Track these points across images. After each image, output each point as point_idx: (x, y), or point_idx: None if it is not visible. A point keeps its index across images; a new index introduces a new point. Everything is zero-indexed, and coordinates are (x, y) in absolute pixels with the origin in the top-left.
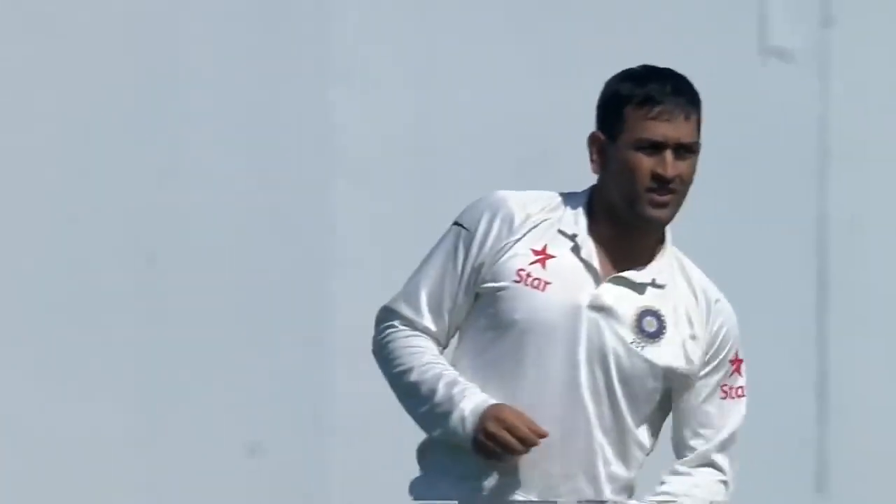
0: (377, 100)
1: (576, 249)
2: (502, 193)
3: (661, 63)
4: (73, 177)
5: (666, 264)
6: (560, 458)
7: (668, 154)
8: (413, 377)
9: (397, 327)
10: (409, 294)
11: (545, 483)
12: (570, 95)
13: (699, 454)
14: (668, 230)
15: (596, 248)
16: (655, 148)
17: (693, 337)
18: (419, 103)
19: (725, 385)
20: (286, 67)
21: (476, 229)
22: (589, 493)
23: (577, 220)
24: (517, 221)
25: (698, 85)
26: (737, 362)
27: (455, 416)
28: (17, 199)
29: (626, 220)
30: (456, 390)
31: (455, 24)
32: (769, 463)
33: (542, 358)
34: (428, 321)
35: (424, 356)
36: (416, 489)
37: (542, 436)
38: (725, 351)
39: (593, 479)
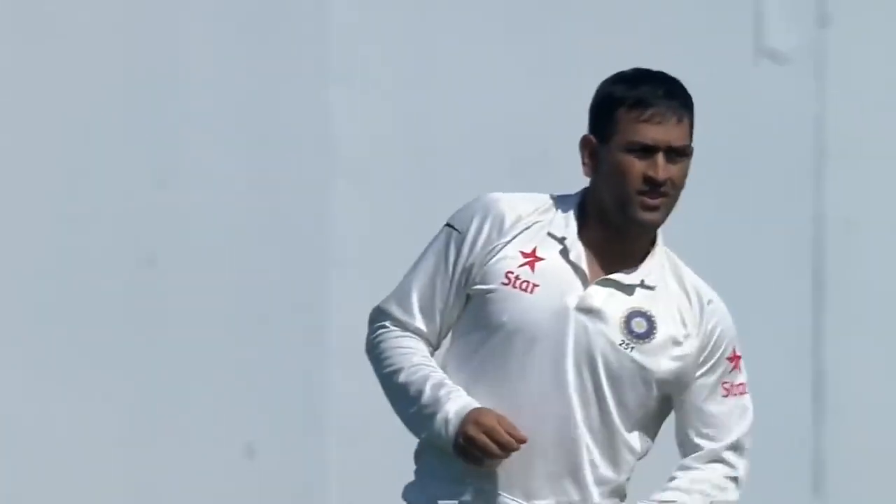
0: (376, 100)
1: (564, 252)
2: (494, 195)
3: (658, 63)
4: (72, 177)
5: (656, 265)
6: (547, 461)
7: (660, 157)
8: (401, 378)
9: (388, 328)
10: (401, 295)
11: (532, 485)
12: (569, 96)
13: (708, 452)
14: (661, 232)
15: (585, 250)
16: (647, 151)
17: (686, 337)
18: (418, 104)
19: (726, 382)
20: (285, 68)
21: (467, 231)
22: (575, 496)
23: (567, 223)
24: (508, 223)
25: (694, 85)
26: (735, 359)
27: (439, 419)
28: (16, 200)
29: (618, 223)
30: (442, 392)
31: (454, 24)
32: (765, 463)
33: (529, 360)
34: (419, 322)
35: (413, 357)
36: (407, 494)
37: (522, 441)
38: (721, 349)
39: (580, 482)
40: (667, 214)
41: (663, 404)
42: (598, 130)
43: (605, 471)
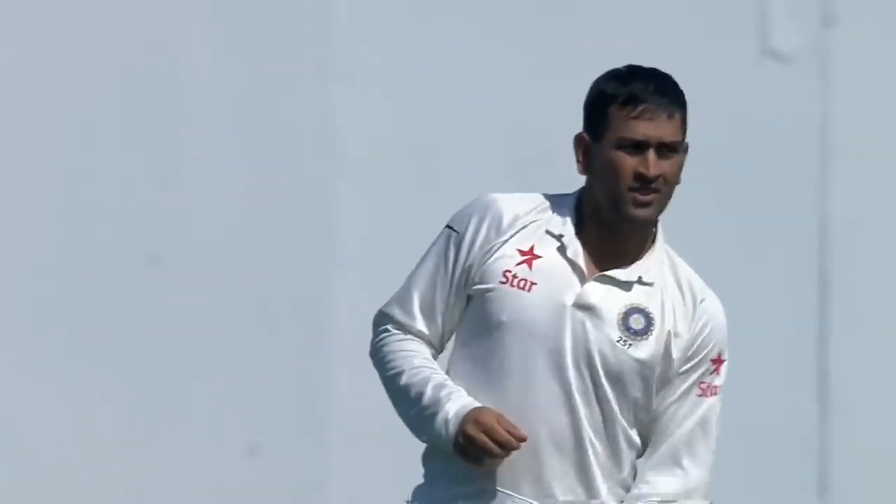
0: (377, 100)
1: (562, 249)
2: (492, 195)
3: (660, 63)
4: (73, 177)
5: (655, 262)
6: (551, 458)
7: (651, 153)
8: (402, 381)
9: (391, 331)
10: (403, 298)
11: (539, 483)
12: (570, 96)
13: (667, 451)
14: (660, 229)
15: (583, 247)
16: (638, 147)
17: (677, 335)
18: (419, 103)
19: (703, 383)
20: (286, 68)
21: (465, 231)
22: (583, 492)
23: (564, 221)
24: (506, 223)
25: (698, 85)
26: (718, 362)
27: (439, 419)
28: (17, 200)
29: (612, 220)
30: (442, 393)
31: (454, 24)
32: (770, 464)
33: (528, 358)
34: (420, 324)
35: (415, 360)
36: (416, 496)
37: (522, 439)
38: (707, 350)
39: (587, 478)
40: (660, 210)
41: None
42: (591, 128)
43: (610, 466)
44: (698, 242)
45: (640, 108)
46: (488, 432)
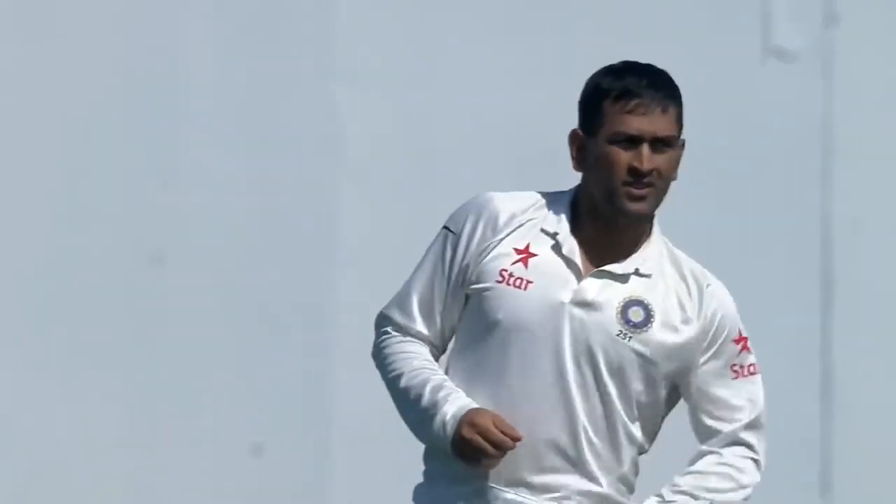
0: (379, 100)
1: (557, 247)
2: (488, 195)
3: (663, 62)
4: (75, 177)
5: (653, 253)
6: (550, 455)
7: (645, 148)
8: (402, 383)
9: (391, 333)
10: (402, 299)
11: (539, 480)
12: (570, 95)
13: (725, 435)
14: (657, 222)
15: (579, 244)
16: (632, 142)
17: (686, 322)
18: (420, 104)
19: (735, 364)
20: (288, 68)
21: (461, 231)
22: (584, 487)
23: (560, 218)
24: (501, 221)
25: (701, 84)
26: (741, 340)
27: (437, 421)
28: (18, 200)
29: (607, 215)
30: (441, 395)
31: (456, 24)
32: (773, 463)
33: (527, 357)
34: (420, 326)
35: (414, 362)
36: (416, 495)
37: (517, 439)
38: (725, 333)
39: (587, 474)
40: (655, 204)
41: (669, 393)
42: (586, 123)
43: (610, 461)
44: (700, 242)
45: (634, 102)
46: (484, 434)
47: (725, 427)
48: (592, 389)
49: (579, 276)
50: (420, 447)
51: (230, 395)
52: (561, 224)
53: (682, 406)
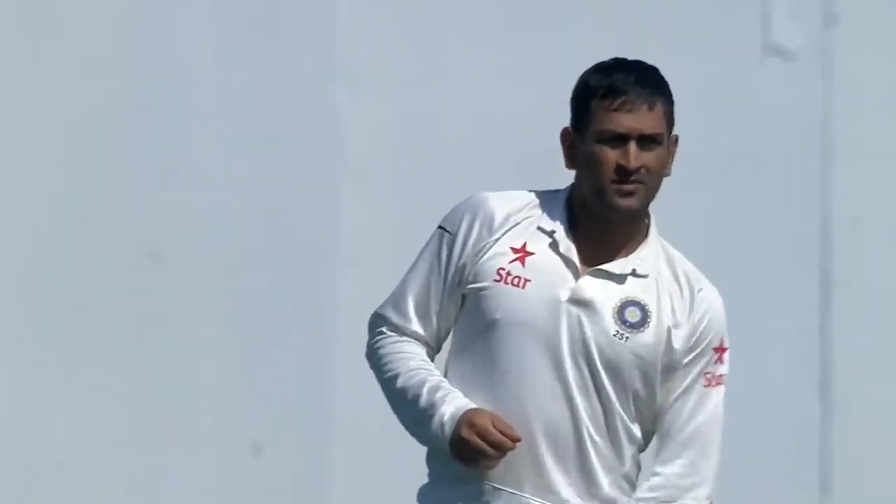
0: (379, 99)
1: (554, 245)
2: (483, 194)
3: (663, 61)
4: (75, 177)
5: (649, 254)
6: (551, 454)
7: (632, 145)
8: (399, 384)
9: (386, 334)
10: (397, 299)
11: (541, 480)
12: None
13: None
14: (654, 221)
15: (575, 242)
16: (619, 139)
17: (676, 325)
18: (420, 103)
19: (708, 373)
20: (288, 67)
21: (457, 231)
22: (584, 487)
23: (556, 217)
24: (497, 221)
25: (700, 84)
26: (720, 350)
27: (435, 422)
28: (18, 200)
29: (599, 213)
30: (438, 396)
31: (457, 23)
32: (773, 462)
33: (525, 356)
34: (416, 326)
35: (410, 362)
36: (421, 496)
37: (517, 440)
38: (708, 339)
39: (588, 473)
40: (645, 200)
41: None
42: (576, 122)
43: (611, 460)
44: (700, 241)
45: (620, 99)
46: (482, 434)
47: (677, 434)
48: (591, 388)
49: (576, 275)
50: (420, 447)
51: (230, 395)
52: (557, 222)
53: None
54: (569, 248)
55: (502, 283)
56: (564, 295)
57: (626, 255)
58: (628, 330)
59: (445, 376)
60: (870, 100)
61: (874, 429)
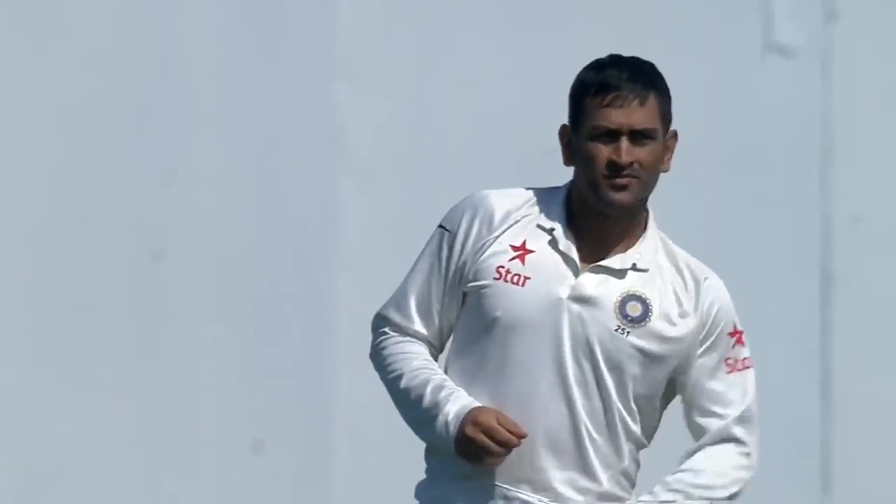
0: (382, 98)
1: (553, 243)
2: (483, 192)
3: (664, 59)
4: (76, 175)
5: (648, 248)
6: (550, 451)
7: (624, 141)
8: (402, 384)
9: (388, 334)
10: (399, 299)
11: (540, 477)
12: None
13: (716, 431)
14: (652, 216)
15: (575, 239)
16: (611, 135)
17: (684, 316)
18: (423, 102)
19: (729, 358)
20: (289, 67)
21: (457, 230)
22: (585, 483)
23: (555, 214)
24: (497, 219)
25: (700, 82)
26: (736, 334)
27: (440, 421)
28: (20, 198)
29: (596, 209)
30: (442, 395)
31: (460, 22)
32: (773, 461)
33: (526, 353)
34: (418, 325)
35: (413, 362)
36: (418, 491)
37: (522, 436)
38: (721, 327)
39: (587, 469)
40: (639, 194)
41: (667, 388)
42: (572, 119)
43: (610, 457)
44: (700, 239)
45: (611, 95)
46: (488, 432)
47: (716, 423)
48: (592, 384)
49: (576, 272)
50: (421, 444)
51: (231, 393)
52: (556, 220)
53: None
54: (568, 245)
55: (502, 281)
56: (565, 292)
57: (625, 250)
58: (630, 324)
59: (446, 374)
60: (870, 98)
61: (874, 427)
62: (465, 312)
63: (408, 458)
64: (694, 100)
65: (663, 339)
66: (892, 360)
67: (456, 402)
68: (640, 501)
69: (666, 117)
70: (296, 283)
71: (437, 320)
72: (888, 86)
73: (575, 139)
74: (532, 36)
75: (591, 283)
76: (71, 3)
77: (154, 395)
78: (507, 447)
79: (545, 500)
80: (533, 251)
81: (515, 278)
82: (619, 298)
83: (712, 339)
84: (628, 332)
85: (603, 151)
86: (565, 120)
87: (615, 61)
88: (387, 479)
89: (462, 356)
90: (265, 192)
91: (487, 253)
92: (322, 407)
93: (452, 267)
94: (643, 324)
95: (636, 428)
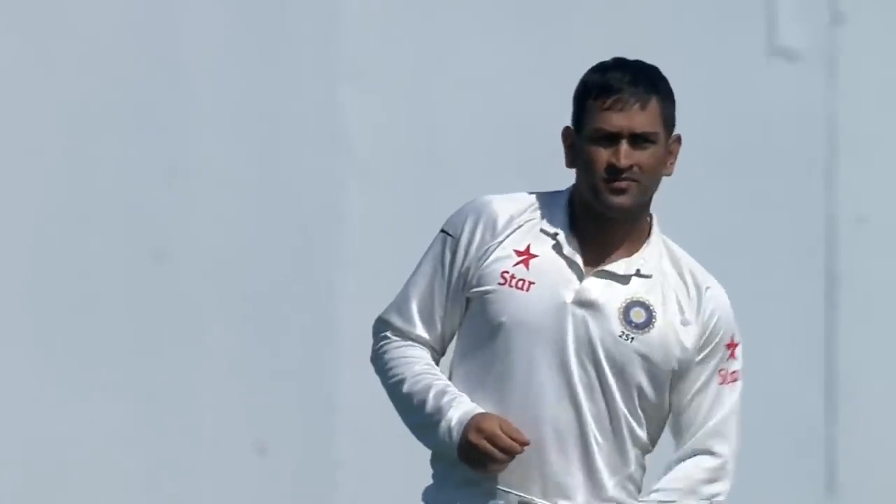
0: (386, 98)
1: (558, 247)
2: (486, 197)
3: (668, 61)
4: (78, 174)
5: (652, 253)
6: (556, 456)
7: (623, 144)
8: (405, 389)
9: (390, 338)
10: (401, 304)
11: (546, 482)
12: None
13: (693, 443)
14: (656, 220)
15: (579, 243)
16: (612, 139)
17: (685, 323)
18: (427, 102)
19: (722, 370)
20: (292, 66)
21: (460, 235)
22: (590, 489)
23: (558, 218)
24: (500, 224)
25: (706, 83)
26: (732, 346)
27: (443, 427)
28: (22, 197)
29: (597, 212)
30: (444, 400)
31: (464, 22)
32: (778, 461)
33: (531, 358)
34: (420, 330)
35: (415, 367)
36: (426, 496)
37: (525, 443)
38: (719, 336)
39: (593, 475)
40: (640, 198)
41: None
42: (575, 121)
43: (616, 462)
44: (705, 239)
45: (612, 98)
46: (491, 439)
47: (695, 433)
48: (597, 389)
49: (580, 276)
50: (422, 446)
51: (234, 394)
52: (560, 224)
53: None
54: (573, 249)
55: (506, 286)
56: (569, 297)
57: (629, 254)
58: (634, 330)
59: (450, 379)
60: (875, 100)
61: (879, 427)
62: (469, 317)
63: (411, 460)
64: (699, 102)
65: (666, 345)
66: None
67: (459, 407)
68: None
69: (668, 121)
70: (297, 283)
71: (439, 325)
72: (892, 88)
73: (577, 141)
74: (533, 36)
75: (595, 287)
76: (71, 3)
77: (155, 395)
78: (511, 454)
79: None
80: (537, 256)
81: (520, 283)
82: (623, 304)
83: (710, 347)
84: (632, 339)
85: (603, 154)
86: (567, 119)
87: (619, 64)
88: (389, 479)
89: (466, 361)
90: (266, 192)
91: (491, 258)
92: (324, 407)
93: (455, 272)
94: (647, 330)
95: (642, 433)
